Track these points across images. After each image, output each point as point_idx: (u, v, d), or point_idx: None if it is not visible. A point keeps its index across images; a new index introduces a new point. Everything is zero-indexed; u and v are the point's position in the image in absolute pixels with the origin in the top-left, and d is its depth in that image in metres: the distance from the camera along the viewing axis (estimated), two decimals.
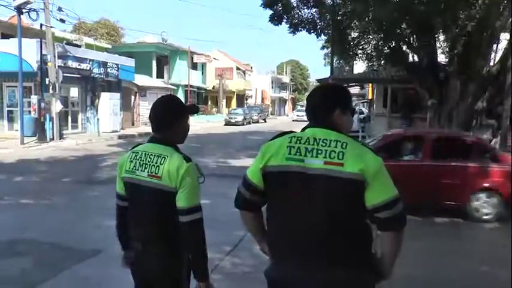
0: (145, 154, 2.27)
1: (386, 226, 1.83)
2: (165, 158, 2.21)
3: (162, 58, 35.15)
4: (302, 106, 78.05)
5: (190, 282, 2.33)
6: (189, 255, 2.24)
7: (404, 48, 12.46)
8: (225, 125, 34.67)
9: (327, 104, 1.96)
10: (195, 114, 37.27)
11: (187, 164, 2.18)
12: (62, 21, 19.84)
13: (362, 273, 1.87)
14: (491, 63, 11.45)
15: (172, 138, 2.30)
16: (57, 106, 18.37)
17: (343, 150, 1.80)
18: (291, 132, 1.98)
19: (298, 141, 1.88)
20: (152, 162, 2.22)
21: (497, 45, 11.31)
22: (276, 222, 1.96)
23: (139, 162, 2.26)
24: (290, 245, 1.91)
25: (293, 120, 24.51)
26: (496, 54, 11.60)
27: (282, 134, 1.98)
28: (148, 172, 2.22)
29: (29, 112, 19.13)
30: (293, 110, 70.97)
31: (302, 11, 13.91)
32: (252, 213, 2.07)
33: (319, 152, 1.82)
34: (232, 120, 35.41)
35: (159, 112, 2.32)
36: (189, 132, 2.43)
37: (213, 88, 44.24)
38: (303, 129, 1.97)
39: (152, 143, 2.31)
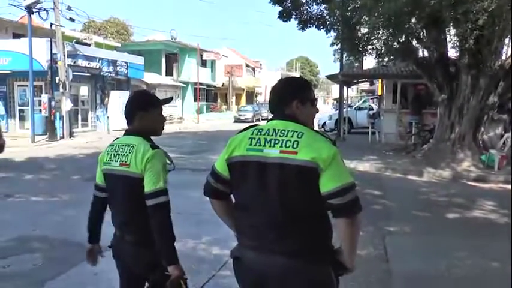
0: (118, 146, 2.41)
1: (338, 213, 1.87)
2: (133, 147, 2.33)
3: (171, 56, 35.24)
4: None
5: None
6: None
7: (414, 43, 12.33)
8: (235, 122, 34.59)
9: (284, 96, 2.05)
10: (205, 112, 37.47)
11: (152, 151, 2.28)
12: (72, 20, 20.02)
13: (319, 262, 1.93)
14: (503, 58, 11.28)
15: (141, 129, 2.40)
16: (67, 104, 18.53)
17: (298, 140, 1.88)
18: (256, 125, 2.08)
19: (259, 133, 1.99)
20: (123, 152, 2.35)
21: (510, 40, 11.13)
22: (239, 209, 2.07)
23: (113, 154, 2.40)
24: (250, 231, 2.01)
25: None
26: (508, 49, 11.42)
27: (248, 127, 2.09)
28: (119, 162, 2.35)
29: (40, 111, 19.32)
30: None
31: (311, 7, 13.87)
32: (219, 200, 2.18)
33: (277, 142, 1.92)
34: (242, 118, 35.28)
35: (127, 106, 2.45)
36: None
37: (222, 85, 44.28)
38: (267, 122, 2.06)
39: (125, 135, 2.45)
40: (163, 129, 2.52)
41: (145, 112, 2.40)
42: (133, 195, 2.30)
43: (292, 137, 1.90)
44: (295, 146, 1.87)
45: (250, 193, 1.98)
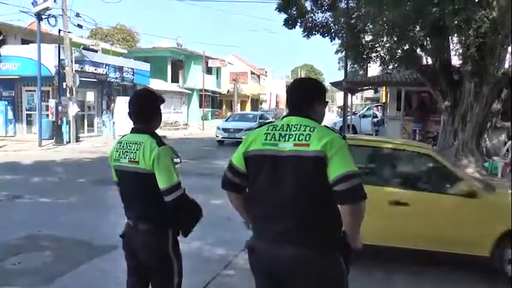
0: (126, 143, 2.55)
1: (342, 199, 1.97)
2: (140, 144, 2.47)
3: (177, 63, 35.48)
4: None
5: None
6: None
7: (417, 50, 12.43)
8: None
9: (303, 96, 2.20)
10: (210, 119, 37.58)
11: (159, 148, 2.42)
12: (80, 26, 20.25)
13: (329, 252, 2.03)
14: (506, 65, 11.36)
15: (147, 127, 2.56)
16: (73, 109, 18.70)
17: (310, 133, 2.02)
18: (271, 122, 2.23)
19: (274, 129, 2.12)
20: (131, 149, 2.49)
21: None
22: (253, 200, 2.19)
23: (122, 151, 2.54)
24: (263, 222, 2.13)
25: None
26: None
27: (263, 124, 2.23)
28: (128, 159, 2.50)
29: (47, 115, 19.54)
30: None
31: (316, 15, 13.97)
32: (236, 193, 2.30)
33: (290, 136, 2.06)
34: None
35: (132, 104, 2.61)
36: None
37: (227, 92, 44.46)
38: (282, 119, 2.19)
39: (132, 133, 2.59)
40: (160, 122, 2.68)
41: (149, 110, 2.58)
42: (144, 189, 2.45)
43: (305, 131, 2.03)
44: (307, 139, 2.00)
45: (264, 185, 2.09)
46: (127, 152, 2.50)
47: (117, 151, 2.57)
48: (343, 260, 2.08)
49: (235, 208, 2.37)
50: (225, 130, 20.73)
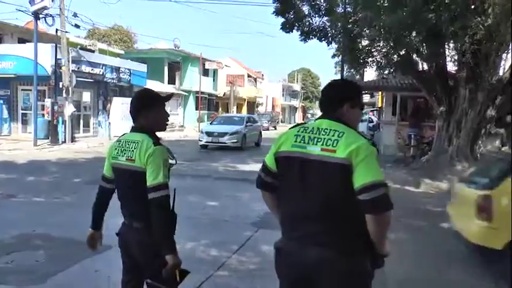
0: (125, 141, 2.58)
1: (366, 209, 1.94)
2: (137, 143, 2.50)
3: (174, 64, 35.46)
4: (313, 115, 78.13)
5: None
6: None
7: (414, 56, 12.53)
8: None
9: (336, 98, 2.17)
10: (206, 121, 37.52)
11: (154, 147, 2.43)
12: (77, 26, 20.28)
13: (354, 255, 2.01)
14: (501, 72, 11.47)
15: (146, 126, 2.56)
16: (69, 109, 18.66)
17: (338, 139, 1.99)
18: (303, 123, 2.23)
19: (304, 131, 2.12)
20: (129, 148, 2.52)
21: (507, 54, 11.33)
22: (282, 202, 2.20)
23: (120, 149, 2.57)
24: (290, 223, 2.13)
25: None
26: (506, 63, 11.62)
27: (296, 125, 2.23)
28: (126, 157, 2.52)
29: (42, 115, 19.49)
30: (303, 118, 70.99)
31: (313, 19, 14.06)
32: (268, 193, 2.30)
33: (319, 140, 2.04)
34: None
35: (132, 104, 2.61)
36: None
37: (224, 95, 44.48)
38: (315, 120, 2.18)
39: (131, 132, 2.62)
40: (167, 124, 2.68)
41: (149, 110, 2.57)
42: (139, 188, 2.45)
43: (333, 136, 2.01)
44: (334, 144, 1.98)
45: (292, 187, 2.10)
46: (125, 150, 2.53)
47: (115, 149, 2.61)
48: (370, 265, 2.07)
49: (269, 208, 2.38)
50: (208, 134, 19.12)
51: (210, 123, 21.83)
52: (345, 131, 2.02)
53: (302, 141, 2.08)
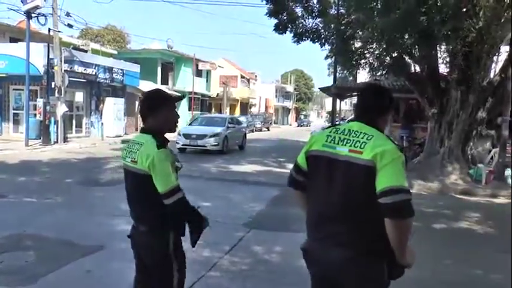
0: (132, 143, 2.57)
1: (385, 213, 1.94)
2: (141, 144, 2.48)
3: (167, 65, 35.41)
4: (306, 116, 78.20)
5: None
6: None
7: (406, 58, 12.59)
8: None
9: (372, 105, 2.22)
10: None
11: (156, 151, 2.39)
12: (70, 26, 20.18)
13: (373, 258, 2.02)
14: (492, 74, 11.56)
15: (153, 127, 2.53)
16: (61, 109, 18.56)
17: (367, 141, 2.03)
18: (337, 125, 2.30)
19: (336, 132, 2.18)
20: (133, 149, 2.51)
21: (498, 57, 11.43)
22: (309, 200, 2.24)
23: (128, 150, 2.56)
24: (314, 224, 2.17)
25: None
26: (497, 65, 11.72)
27: (329, 126, 2.32)
28: (131, 158, 2.51)
29: (34, 115, 19.37)
30: (296, 119, 71.09)
31: (306, 21, 14.09)
32: (298, 191, 2.34)
33: (348, 141, 2.09)
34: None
35: (142, 104, 2.60)
36: None
37: (217, 95, 44.47)
38: (347, 122, 2.21)
39: (139, 133, 2.60)
40: (176, 125, 2.64)
41: (159, 110, 2.52)
42: (142, 190, 2.46)
43: (362, 138, 2.05)
44: (362, 146, 2.02)
45: (319, 187, 2.14)
46: (131, 151, 2.51)
47: (125, 150, 2.61)
48: (387, 271, 2.07)
49: (299, 207, 2.40)
50: (186, 136, 17.29)
51: (189, 124, 19.88)
52: (375, 134, 2.07)
53: (332, 142, 2.13)
